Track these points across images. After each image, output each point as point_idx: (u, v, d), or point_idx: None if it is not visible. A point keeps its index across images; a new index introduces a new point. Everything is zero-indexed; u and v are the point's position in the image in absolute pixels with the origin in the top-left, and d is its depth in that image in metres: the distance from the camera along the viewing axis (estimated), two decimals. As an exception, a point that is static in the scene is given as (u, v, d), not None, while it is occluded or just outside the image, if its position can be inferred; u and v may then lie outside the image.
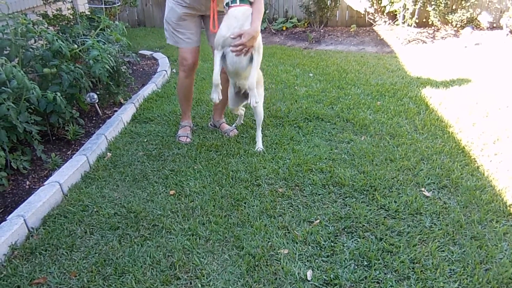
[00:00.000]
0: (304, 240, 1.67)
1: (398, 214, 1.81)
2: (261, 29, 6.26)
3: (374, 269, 1.51)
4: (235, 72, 2.25)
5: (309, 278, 1.48)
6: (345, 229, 1.73)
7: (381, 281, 1.46)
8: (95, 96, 2.84)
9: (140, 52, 4.95)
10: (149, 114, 3.04)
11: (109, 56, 2.77)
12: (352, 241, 1.66)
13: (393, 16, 5.66)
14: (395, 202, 1.89)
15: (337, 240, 1.67)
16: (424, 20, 5.44)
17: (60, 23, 3.50)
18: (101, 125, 2.79)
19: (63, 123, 2.55)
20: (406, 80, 3.65)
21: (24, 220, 1.76)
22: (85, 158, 2.29)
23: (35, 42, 2.63)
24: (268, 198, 1.96)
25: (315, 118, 2.86)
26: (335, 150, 2.40)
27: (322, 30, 5.99)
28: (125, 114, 2.94)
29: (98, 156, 2.42)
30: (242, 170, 2.21)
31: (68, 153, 2.47)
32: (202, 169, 2.24)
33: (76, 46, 2.83)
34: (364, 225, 1.75)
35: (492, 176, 2.08)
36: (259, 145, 2.46)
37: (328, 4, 5.65)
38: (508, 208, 1.83)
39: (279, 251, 1.62)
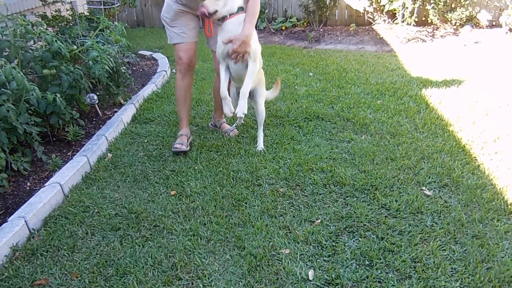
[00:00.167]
0: (306, 240, 1.67)
1: (399, 213, 1.81)
2: (261, 29, 6.35)
3: (376, 269, 1.51)
4: (238, 78, 2.26)
5: (310, 278, 1.48)
6: (346, 229, 1.73)
7: (383, 280, 1.46)
8: (95, 97, 2.84)
9: (139, 52, 4.95)
10: (149, 115, 3.04)
11: (109, 57, 2.77)
12: (354, 241, 1.66)
13: (392, 15, 5.66)
14: (396, 201, 1.89)
15: (339, 240, 1.67)
16: (423, 18, 5.44)
17: (59, 24, 3.49)
18: (101, 126, 2.79)
19: (63, 124, 2.55)
20: (406, 79, 3.65)
21: (25, 221, 1.76)
22: (86, 159, 2.29)
23: (34, 43, 2.63)
24: (269, 198, 1.96)
25: (315, 118, 2.86)
26: (336, 150, 2.40)
27: (321, 29, 5.99)
28: (125, 114, 2.94)
29: (99, 157, 2.42)
30: (243, 170, 2.21)
31: (68, 154, 2.47)
32: (203, 169, 2.24)
33: (75, 47, 2.83)
34: (365, 225, 1.75)
35: (493, 174, 2.08)
36: (260, 145, 2.46)
37: (327, 3, 5.65)
38: (509, 206, 1.83)
39: (280, 251, 1.62)
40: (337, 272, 1.50)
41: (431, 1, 5.06)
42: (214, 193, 2.03)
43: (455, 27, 5.28)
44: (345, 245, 1.64)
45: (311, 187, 2.04)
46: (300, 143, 2.51)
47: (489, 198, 1.88)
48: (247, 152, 2.41)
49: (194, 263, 1.58)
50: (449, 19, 5.22)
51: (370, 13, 5.85)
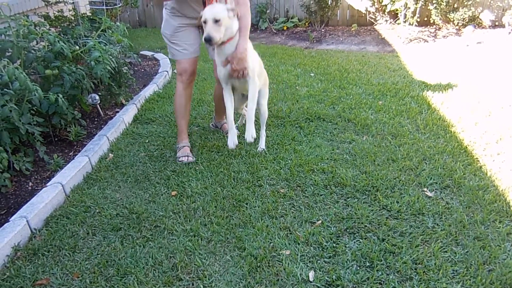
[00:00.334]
0: (306, 241, 1.67)
1: (400, 215, 1.80)
2: (262, 29, 6.35)
3: (377, 270, 1.50)
4: (241, 90, 2.25)
5: (311, 279, 1.48)
6: (347, 230, 1.73)
7: (384, 282, 1.46)
8: (97, 97, 2.85)
9: (141, 52, 4.96)
10: (150, 115, 3.04)
11: (111, 57, 2.77)
12: (354, 242, 1.66)
13: (394, 15, 5.65)
14: (397, 202, 1.89)
15: (339, 241, 1.67)
16: (425, 19, 5.43)
17: (62, 25, 3.51)
18: (102, 126, 2.80)
19: (65, 124, 2.56)
20: (408, 80, 3.63)
21: (27, 221, 1.77)
22: (87, 159, 2.30)
23: (37, 43, 2.64)
24: (269, 199, 1.96)
25: (317, 118, 2.85)
26: (337, 150, 2.40)
27: (323, 30, 5.98)
28: (127, 115, 2.95)
29: (100, 157, 2.43)
30: (243, 170, 2.21)
31: (70, 154, 2.48)
32: (204, 170, 2.24)
33: (77, 47, 2.84)
34: (366, 226, 1.74)
35: (495, 176, 2.07)
36: (262, 145, 2.46)
37: (329, 3, 5.64)
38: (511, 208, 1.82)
39: (281, 252, 1.62)
40: (337, 273, 1.49)
41: (434, 1, 5.04)
42: (215, 193, 2.03)
43: (457, 27, 5.26)
44: (345, 246, 1.63)
45: (312, 188, 2.03)
46: (301, 143, 2.50)
47: (491, 200, 1.87)
48: (248, 153, 2.41)
49: (194, 264, 1.58)
50: (452, 19, 5.20)
51: (372, 13, 5.84)
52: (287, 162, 2.29)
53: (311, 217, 1.82)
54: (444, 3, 5.01)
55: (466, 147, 2.37)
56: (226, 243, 1.69)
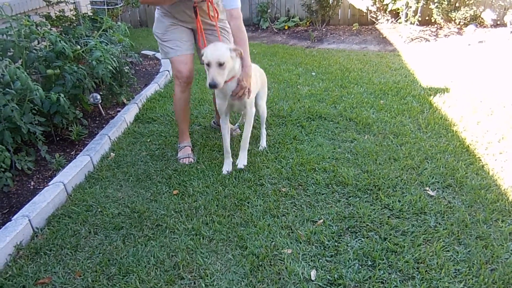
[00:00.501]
0: (308, 240, 1.67)
1: (402, 214, 1.80)
2: (263, 28, 6.35)
3: (379, 269, 1.50)
4: (241, 108, 2.24)
5: (313, 278, 1.48)
6: (349, 229, 1.73)
7: (386, 281, 1.46)
8: (98, 97, 2.85)
9: (142, 52, 4.96)
10: (152, 114, 3.04)
11: (112, 56, 2.78)
12: (356, 241, 1.66)
13: (395, 14, 5.63)
14: (399, 201, 1.88)
15: (341, 240, 1.67)
16: (427, 18, 5.41)
17: (63, 24, 3.51)
18: (104, 125, 2.80)
19: (67, 124, 2.56)
20: (409, 79, 3.63)
21: (29, 220, 1.77)
22: (89, 158, 2.30)
23: (38, 43, 2.64)
24: (271, 198, 1.96)
25: (318, 117, 2.85)
26: (338, 149, 2.39)
27: (324, 29, 5.97)
28: (128, 114, 2.95)
29: (102, 156, 2.43)
30: (245, 169, 2.21)
31: (72, 153, 2.48)
32: (205, 169, 2.24)
33: (79, 47, 2.84)
34: (368, 225, 1.74)
35: (497, 175, 2.07)
36: (263, 144, 2.46)
37: (330, 2, 5.63)
38: (514, 207, 1.82)
39: (282, 251, 1.62)
40: (339, 272, 1.49)
41: (435, 0, 5.03)
42: (216, 192, 2.03)
43: (459, 26, 5.24)
44: (347, 245, 1.63)
45: (314, 187, 2.03)
46: (302, 142, 2.50)
47: (493, 199, 1.87)
48: (249, 152, 2.41)
49: (196, 263, 1.58)
50: (453, 18, 5.18)
51: (373, 13, 5.83)
52: (288, 161, 2.29)
53: (312, 216, 1.81)
54: (446, 2, 5.00)
55: (468, 146, 2.37)
56: (228, 242, 1.69)
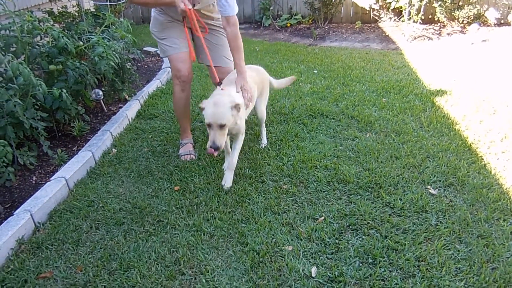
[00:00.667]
0: (309, 237, 1.67)
1: (403, 212, 1.80)
2: (266, 26, 6.33)
3: (379, 267, 1.50)
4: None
5: (313, 275, 1.48)
6: (350, 226, 1.73)
7: (386, 278, 1.46)
8: (100, 93, 2.85)
9: (144, 49, 4.96)
10: (153, 111, 3.04)
11: (114, 53, 2.78)
12: (357, 239, 1.66)
13: (398, 12, 5.61)
14: (401, 199, 1.88)
15: (342, 237, 1.67)
16: (430, 16, 5.39)
17: (66, 20, 3.51)
18: (106, 121, 2.81)
19: (69, 120, 2.56)
20: (412, 77, 3.61)
21: (31, 215, 1.78)
22: (91, 154, 2.31)
23: (41, 39, 2.64)
24: (272, 195, 1.96)
25: (320, 115, 2.84)
26: (340, 147, 2.39)
27: (326, 27, 5.95)
28: (130, 110, 2.96)
29: (104, 152, 2.44)
30: (246, 166, 2.21)
31: (74, 149, 2.49)
32: (207, 166, 2.25)
33: (81, 43, 2.84)
34: (369, 223, 1.74)
35: (499, 174, 2.06)
36: (264, 141, 2.46)
37: (333, 0, 5.60)
38: (515, 206, 1.81)
39: (283, 247, 1.62)
40: (340, 269, 1.49)
41: (439, -1, 5.01)
42: (217, 189, 2.03)
43: (462, 25, 5.22)
44: (348, 243, 1.63)
45: (315, 184, 2.03)
46: (304, 140, 2.50)
47: (495, 198, 1.86)
48: (250, 149, 2.41)
49: (197, 258, 1.58)
50: (457, 17, 5.15)
51: (376, 11, 5.80)
52: (290, 158, 2.28)
53: (313, 213, 1.82)
54: (449, 1, 4.97)
55: (470, 145, 2.36)
56: (229, 238, 1.69)
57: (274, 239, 1.67)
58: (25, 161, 2.19)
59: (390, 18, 5.74)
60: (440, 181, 2.02)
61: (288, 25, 6.20)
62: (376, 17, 5.87)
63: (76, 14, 3.72)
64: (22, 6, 3.31)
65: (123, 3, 4.62)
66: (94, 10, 4.04)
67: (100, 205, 1.94)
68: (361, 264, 1.53)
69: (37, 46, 2.51)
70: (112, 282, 1.49)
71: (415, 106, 2.93)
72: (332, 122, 2.74)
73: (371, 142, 2.42)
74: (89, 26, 3.19)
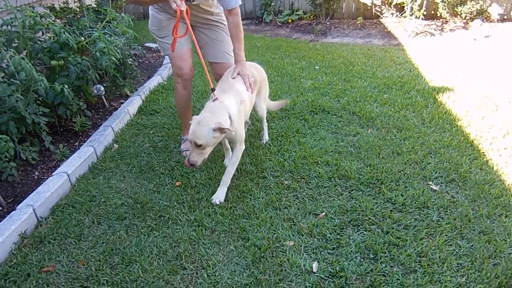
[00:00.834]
0: (310, 233, 1.67)
1: (404, 208, 1.80)
2: (267, 22, 6.30)
3: (380, 262, 1.50)
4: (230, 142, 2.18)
5: (314, 270, 1.49)
6: (351, 222, 1.73)
7: (387, 274, 1.46)
8: (102, 88, 2.85)
9: (146, 44, 4.95)
10: (155, 106, 3.04)
11: (116, 48, 2.77)
12: (358, 234, 1.66)
13: (400, 8, 5.57)
14: (402, 195, 1.88)
15: (343, 233, 1.67)
16: (432, 12, 5.35)
17: (67, 16, 3.50)
18: (107, 117, 2.81)
19: (71, 115, 2.57)
20: (414, 73, 3.60)
21: (33, 209, 1.79)
22: (93, 149, 2.31)
23: (42, 34, 2.64)
24: (273, 191, 1.96)
25: (321, 111, 2.84)
26: (341, 143, 2.38)
27: (328, 23, 5.92)
28: (131, 106, 2.96)
29: (105, 148, 2.44)
30: (247, 162, 2.21)
31: (75, 144, 2.49)
32: (208, 161, 2.25)
33: (83, 38, 2.84)
34: (370, 218, 1.74)
35: (502, 170, 2.05)
36: (266, 137, 2.46)
37: (335, -4, 5.57)
38: (517, 202, 1.81)
39: (284, 243, 1.62)
40: (341, 265, 1.50)
41: (441, -6, 4.96)
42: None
43: (465, 20, 5.18)
44: (349, 238, 1.63)
45: (316, 180, 2.03)
46: (305, 136, 2.50)
47: (497, 194, 1.86)
48: (252, 145, 2.41)
49: (198, 253, 1.59)
50: (459, 13, 5.11)
51: (377, 6, 5.76)
52: (291, 154, 2.28)
53: (315, 209, 1.82)
54: (452, -4, 4.93)
55: (473, 141, 2.35)
56: (230, 233, 1.70)
57: (275, 235, 1.67)
58: (27, 156, 2.19)
59: (392, 14, 5.70)
60: (442, 177, 2.02)
61: (290, 21, 6.17)
62: (378, 13, 5.83)
63: (78, 9, 3.70)
64: (23, 1, 3.30)
65: (124, -2, 4.60)
66: (95, 5, 4.02)
67: (102, 200, 1.95)
68: (362, 260, 1.53)
69: (39, 42, 2.51)
70: (114, 276, 1.50)
71: (417, 102, 2.91)
72: (333, 118, 2.74)
73: (373, 138, 2.42)
74: (90, 22, 3.18)
